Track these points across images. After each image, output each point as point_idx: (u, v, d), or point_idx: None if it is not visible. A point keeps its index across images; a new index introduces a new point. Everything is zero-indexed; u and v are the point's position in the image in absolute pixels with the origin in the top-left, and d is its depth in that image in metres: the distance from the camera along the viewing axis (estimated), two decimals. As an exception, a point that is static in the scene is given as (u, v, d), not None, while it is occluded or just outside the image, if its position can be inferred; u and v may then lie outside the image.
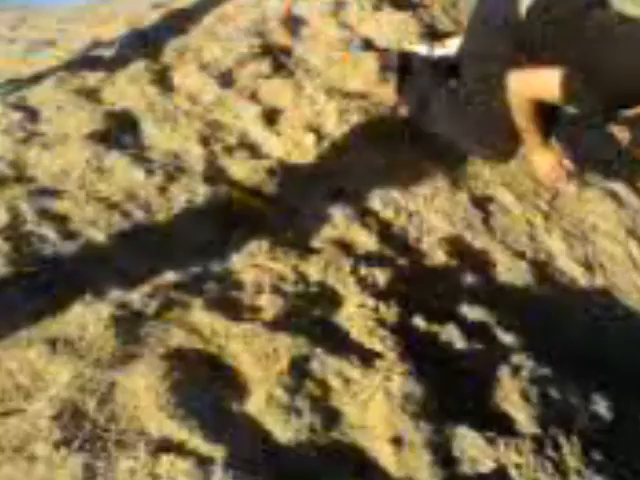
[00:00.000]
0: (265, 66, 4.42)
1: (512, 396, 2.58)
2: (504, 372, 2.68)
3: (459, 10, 5.06)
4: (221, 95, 4.17)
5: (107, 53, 4.87)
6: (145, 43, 4.93)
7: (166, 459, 2.06)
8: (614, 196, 3.89)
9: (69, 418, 2.15)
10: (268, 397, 2.40)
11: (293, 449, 2.27)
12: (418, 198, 3.60)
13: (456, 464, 2.31)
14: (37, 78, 4.53)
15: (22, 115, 3.99)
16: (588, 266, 3.44)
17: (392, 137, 3.91)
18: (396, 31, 4.70)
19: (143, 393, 2.28)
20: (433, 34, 4.60)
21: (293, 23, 4.92)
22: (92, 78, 4.45)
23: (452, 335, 2.87)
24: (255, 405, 2.38)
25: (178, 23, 5.17)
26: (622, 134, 4.39)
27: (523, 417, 2.48)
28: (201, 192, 3.37)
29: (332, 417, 2.42)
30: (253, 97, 4.17)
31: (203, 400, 2.36)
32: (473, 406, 2.57)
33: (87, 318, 2.59)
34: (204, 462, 2.07)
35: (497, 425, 2.45)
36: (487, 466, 2.32)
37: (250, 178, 3.53)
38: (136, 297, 2.71)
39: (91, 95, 4.26)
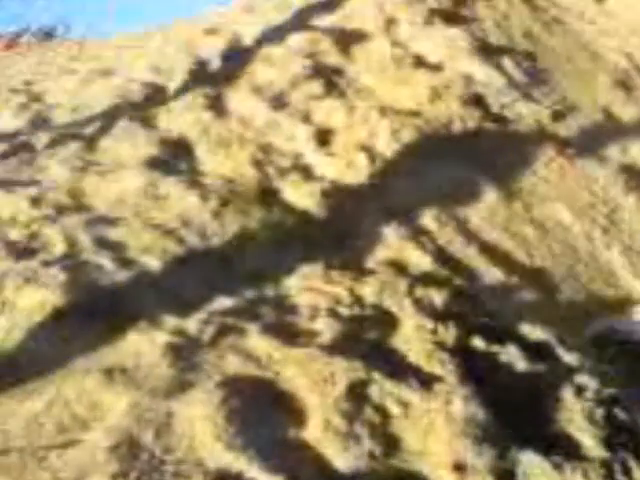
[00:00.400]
0: (317, 87, 4.44)
1: (577, 418, 2.52)
2: (568, 393, 2.62)
3: (511, 23, 5.02)
4: (274, 118, 4.20)
5: (163, 80, 4.95)
6: (200, 69, 4.99)
7: (224, 490, 2.06)
8: None
9: (126, 449, 2.16)
10: (326, 423, 2.38)
11: (352, 477, 2.25)
12: (473, 216, 3.56)
13: None
14: (94, 107, 4.63)
15: (79, 144, 4.08)
16: None
17: (445, 154, 3.88)
18: (449, 47, 4.67)
19: (200, 422, 2.28)
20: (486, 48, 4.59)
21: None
22: (148, 105, 4.53)
23: (513, 356, 2.81)
24: (313, 432, 2.36)
25: (231, 47, 5.23)
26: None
27: (589, 440, 2.41)
28: (255, 216, 3.39)
29: (391, 443, 2.39)
30: (306, 119, 4.19)
31: (260, 428, 2.35)
32: (537, 429, 2.51)
33: (143, 346, 2.61)
34: (262, 492, 2.07)
35: (563, 449, 2.39)
36: None
37: (304, 200, 3.53)
38: (191, 324, 2.72)
39: (147, 122, 4.33)
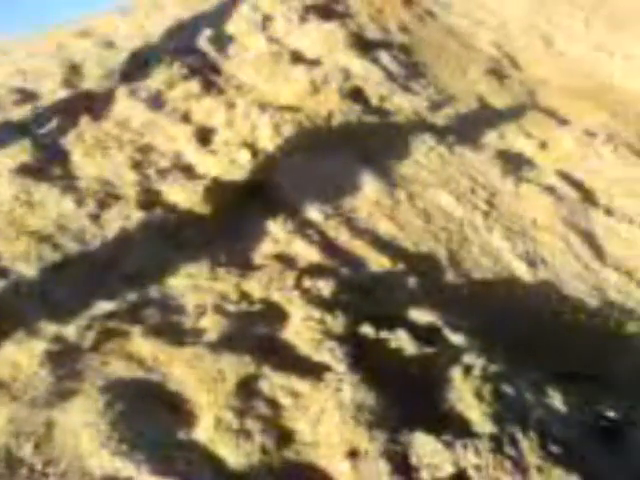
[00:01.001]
0: (195, 85, 4.37)
1: (466, 396, 2.54)
2: (456, 373, 2.64)
3: (386, 17, 5.09)
4: (152, 118, 4.09)
5: (33, 85, 4.75)
6: (72, 72, 4.82)
7: (111, 497, 1.98)
8: (550, 190, 3.90)
9: (3, 466, 2.03)
10: (217, 422, 2.32)
11: (246, 474, 2.20)
12: (359, 207, 3.57)
13: (415, 471, 2.27)
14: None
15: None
16: (530, 261, 3.43)
17: (328, 147, 3.88)
18: (325, 42, 4.69)
19: (83, 430, 2.17)
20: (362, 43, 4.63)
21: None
22: (18, 111, 4.34)
23: (403, 341, 2.83)
24: (204, 431, 2.30)
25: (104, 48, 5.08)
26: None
27: (478, 417, 2.44)
28: (136, 218, 3.28)
29: (285, 436, 2.35)
30: (185, 118, 4.10)
31: (148, 431, 2.26)
32: (428, 410, 2.52)
33: (20, 357, 2.47)
34: (153, 497, 1.99)
35: (454, 427, 2.41)
36: (446, 470, 2.29)
37: (186, 199, 3.45)
38: (71, 330, 2.60)
39: (18, 128, 4.15)
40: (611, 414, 2.58)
